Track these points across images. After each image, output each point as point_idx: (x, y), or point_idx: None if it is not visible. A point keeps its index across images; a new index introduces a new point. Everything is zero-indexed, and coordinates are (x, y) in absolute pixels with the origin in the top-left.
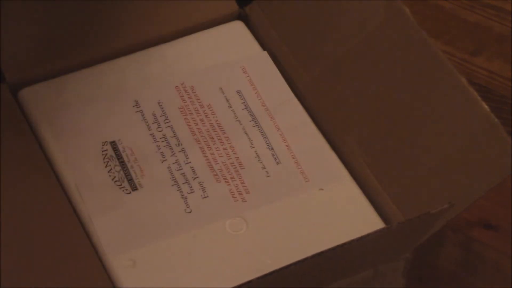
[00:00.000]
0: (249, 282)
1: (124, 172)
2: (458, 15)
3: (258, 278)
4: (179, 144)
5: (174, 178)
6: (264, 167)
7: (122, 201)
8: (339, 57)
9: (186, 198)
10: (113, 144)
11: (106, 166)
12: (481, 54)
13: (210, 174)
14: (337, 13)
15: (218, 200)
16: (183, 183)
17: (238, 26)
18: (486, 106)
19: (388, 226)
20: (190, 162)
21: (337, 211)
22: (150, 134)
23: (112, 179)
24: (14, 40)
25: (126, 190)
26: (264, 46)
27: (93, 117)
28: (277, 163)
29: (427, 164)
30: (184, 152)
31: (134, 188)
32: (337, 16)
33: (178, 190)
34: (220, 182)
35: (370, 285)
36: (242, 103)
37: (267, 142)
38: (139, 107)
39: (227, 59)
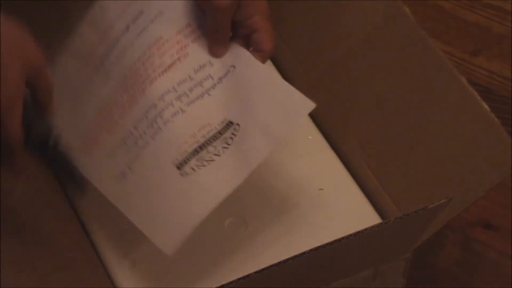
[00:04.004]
0: (247, 276)
1: None
2: (458, 15)
3: (256, 273)
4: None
5: None
6: None
7: None
8: (339, 57)
9: None
10: None
11: None
12: (481, 54)
13: None
14: (337, 13)
15: None
16: None
17: None
18: (486, 106)
19: (386, 220)
20: None
21: (337, 211)
22: None
23: None
24: None
25: None
26: None
27: None
28: None
29: (426, 164)
30: None
31: None
32: (337, 16)
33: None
34: None
35: (370, 285)
36: None
37: None
38: None
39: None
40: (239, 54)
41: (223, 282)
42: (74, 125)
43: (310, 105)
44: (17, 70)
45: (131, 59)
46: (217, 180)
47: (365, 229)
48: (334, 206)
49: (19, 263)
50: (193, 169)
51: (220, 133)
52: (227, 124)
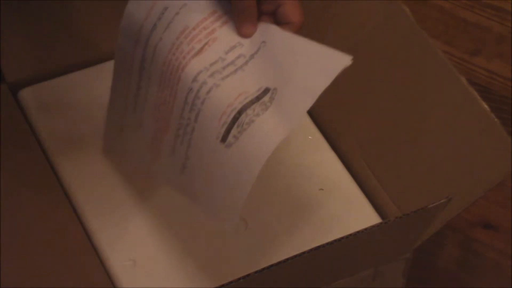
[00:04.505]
0: (247, 276)
1: None
2: (458, 15)
3: (256, 273)
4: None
5: None
6: None
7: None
8: None
9: None
10: None
11: None
12: (481, 54)
13: None
14: (337, 13)
15: None
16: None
17: None
18: (486, 106)
19: (386, 220)
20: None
21: (337, 211)
22: None
23: None
24: (14, 41)
25: None
26: None
27: (92, 116)
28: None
29: (426, 164)
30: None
31: None
32: (338, 16)
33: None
34: None
35: (370, 285)
36: None
37: None
38: None
39: None
40: (268, 30)
41: (223, 282)
42: (141, 139)
43: (347, 59)
44: None
45: (163, 53)
46: (259, 139)
47: (365, 229)
48: (334, 206)
49: (19, 263)
50: (235, 137)
51: (257, 98)
52: (264, 90)
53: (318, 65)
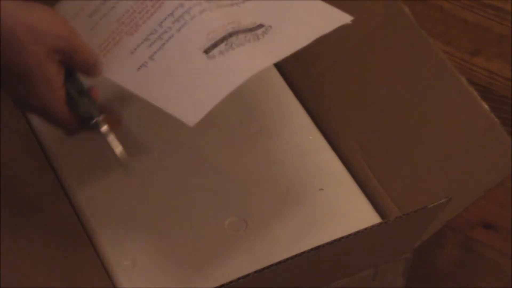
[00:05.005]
0: (247, 276)
1: None
2: (458, 15)
3: (256, 273)
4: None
5: None
6: None
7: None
8: (339, 57)
9: None
10: None
11: None
12: (481, 54)
13: None
14: None
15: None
16: None
17: None
18: (486, 106)
19: (386, 220)
20: None
21: (337, 211)
22: None
23: None
24: None
25: None
26: None
27: None
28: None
29: (427, 164)
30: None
31: None
32: None
33: None
34: None
35: (370, 285)
36: None
37: None
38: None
39: None
40: None
41: (223, 282)
42: (93, 36)
43: (347, 17)
44: (46, 56)
45: None
46: (246, 60)
47: (365, 229)
48: (334, 206)
49: (20, 264)
50: (221, 52)
51: (251, 29)
52: (259, 25)
53: (318, 15)
